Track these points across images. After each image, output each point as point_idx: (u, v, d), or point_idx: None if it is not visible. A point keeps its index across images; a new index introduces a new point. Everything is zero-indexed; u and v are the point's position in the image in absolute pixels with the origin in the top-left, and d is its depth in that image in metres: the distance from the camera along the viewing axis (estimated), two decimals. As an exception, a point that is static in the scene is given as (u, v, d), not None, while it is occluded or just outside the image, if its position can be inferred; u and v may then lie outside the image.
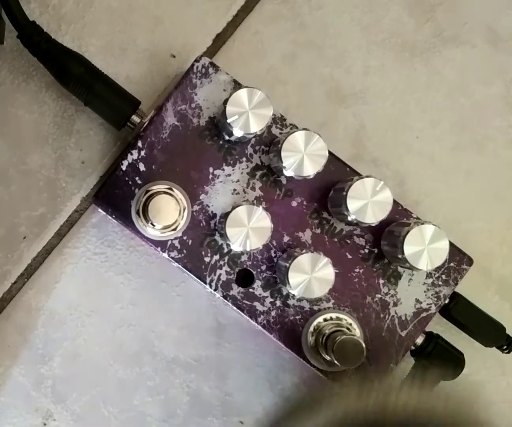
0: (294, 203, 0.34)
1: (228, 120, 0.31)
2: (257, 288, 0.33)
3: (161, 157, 0.33)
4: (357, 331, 0.33)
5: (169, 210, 0.32)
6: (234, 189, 0.34)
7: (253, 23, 0.37)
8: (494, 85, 0.38)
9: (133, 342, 0.37)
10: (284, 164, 0.31)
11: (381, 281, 0.34)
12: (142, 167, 0.33)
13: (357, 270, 0.34)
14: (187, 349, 0.37)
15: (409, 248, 0.31)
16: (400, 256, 0.32)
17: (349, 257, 0.34)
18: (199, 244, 0.33)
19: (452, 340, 0.35)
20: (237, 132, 0.31)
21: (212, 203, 0.33)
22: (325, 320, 0.33)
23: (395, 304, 0.34)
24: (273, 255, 0.34)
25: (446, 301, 0.34)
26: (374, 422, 0.27)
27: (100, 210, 0.34)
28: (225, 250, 0.33)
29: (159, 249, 0.33)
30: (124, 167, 0.33)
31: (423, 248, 0.31)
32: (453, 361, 0.34)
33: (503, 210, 0.38)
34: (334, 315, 0.33)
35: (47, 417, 0.36)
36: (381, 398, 0.27)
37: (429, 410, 0.27)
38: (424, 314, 0.34)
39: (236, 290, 0.33)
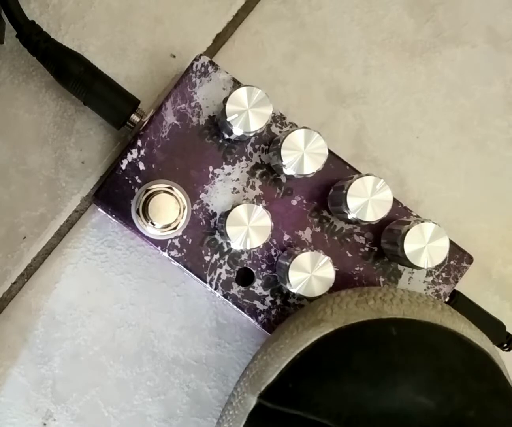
0: (294, 202, 0.34)
1: (228, 119, 0.31)
2: (257, 286, 0.33)
3: (161, 156, 0.33)
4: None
5: (169, 210, 0.32)
6: (234, 188, 0.34)
7: (253, 23, 0.37)
8: (494, 85, 0.38)
9: (133, 342, 0.37)
10: (284, 163, 0.31)
11: (382, 279, 0.34)
12: (141, 166, 0.33)
13: (357, 268, 0.34)
14: (187, 349, 0.37)
15: (409, 246, 0.31)
16: (400, 254, 0.32)
17: (349, 255, 0.34)
18: (199, 243, 0.33)
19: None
20: (237, 131, 0.31)
21: (212, 202, 0.33)
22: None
23: (395, 303, 0.34)
24: (273, 253, 0.34)
25: (447, 299, 0.34)
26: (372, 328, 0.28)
27: (100, 210, 0.34)
28: (225, 249, 0.33)
29: (159, 248, 0.33)
30: (123, 167, 0.33)
31: (423, 246, 0.31)
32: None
33: (503, 210, 0.37)
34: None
35: (47, 417, 0.36)
36: (378, 304, 0.29)
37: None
38: (425, 313, 0.34)
39: (236, 289, 0.33)
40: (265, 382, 0.29)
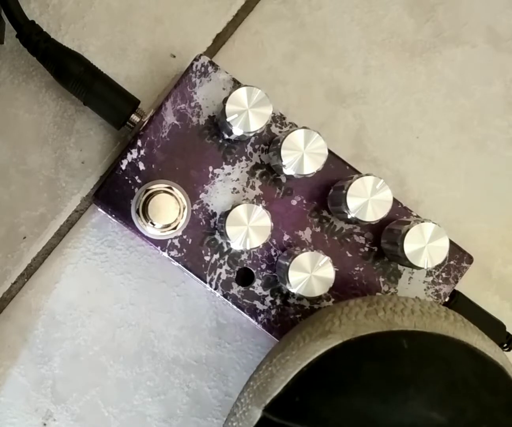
0: (294, 202, 0.34)
1: (228, 119, 0.31)
2: (257, 286, 0.33)
3: (161, 156, 0.33)
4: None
5: (169, 210, 0.32)
6: (234, 188, 0.34)
7: (253, 23, 0.37)
8: (494, 85, 0.38)
9: (133, 342, 0.37)
10: (283, 163, 0.31)
11: (381, 279, 0.34)
12: (141, 166, 0.33)
13: (357, 268, 0.34)
14: (187, 349, 0.37)
15: (409, 246, 0.31)
16: (400, 254, 0.32)
17: (349, 255, 0.34)
18: (199, 243, 0.33)
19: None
20: (237, 131, 0.31)
21: (212, 202, 0.33)
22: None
23: (395, 303, 0.34)
24: (273, 253, 0.34)
25: (447, 299, 0.34)
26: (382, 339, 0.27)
27: (100, 210, 0.34)
28: (225, 249, 0.33)
29: (159, 248, 0.33)
30: (123, 167, 0.33)
31: (423, 246, 0.31)
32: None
33: (503, 211, 0.37)
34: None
35: (47, 417, 0.36)
36: (388, 315, 0.28)
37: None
38: (425, 313, 0.34)
39: (236, 289, 0.33)
40: (270, 395, 0.28)
